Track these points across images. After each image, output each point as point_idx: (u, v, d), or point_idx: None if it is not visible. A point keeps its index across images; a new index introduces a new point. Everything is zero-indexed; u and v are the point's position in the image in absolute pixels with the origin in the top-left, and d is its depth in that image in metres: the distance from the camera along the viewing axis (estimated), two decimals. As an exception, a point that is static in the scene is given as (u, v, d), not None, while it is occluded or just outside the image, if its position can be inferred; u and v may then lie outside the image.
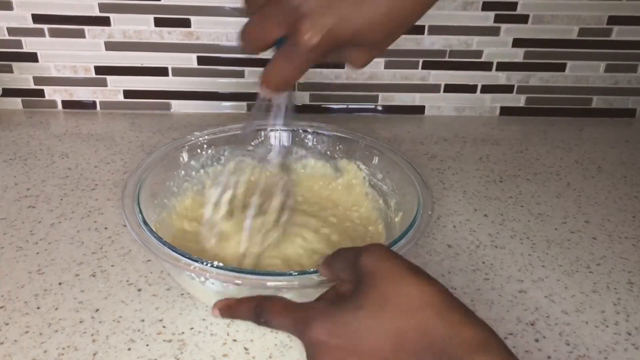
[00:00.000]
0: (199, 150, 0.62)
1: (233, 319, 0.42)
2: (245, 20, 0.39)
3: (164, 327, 0.50)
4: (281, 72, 0.39)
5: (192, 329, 0.50)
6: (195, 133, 0.62)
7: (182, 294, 0.53)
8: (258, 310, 0.39)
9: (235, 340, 0.49)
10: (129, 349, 0.47)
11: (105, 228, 0.62)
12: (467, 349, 0.32)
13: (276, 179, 0.55)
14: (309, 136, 0.66)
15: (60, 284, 0.54)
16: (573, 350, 0.49)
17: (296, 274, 0.43)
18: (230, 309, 0.41)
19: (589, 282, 0.57)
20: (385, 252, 0.38)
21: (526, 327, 0.51)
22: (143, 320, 0.50)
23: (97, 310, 0.51)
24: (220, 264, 0.44)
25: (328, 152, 0.66)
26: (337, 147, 0.65)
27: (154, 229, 0.48)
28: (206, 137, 0.62)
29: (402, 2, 0.37)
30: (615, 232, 0.64)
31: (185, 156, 0.61)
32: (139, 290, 0.54)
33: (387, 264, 0.37)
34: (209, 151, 0.63)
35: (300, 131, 0.66)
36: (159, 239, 0.46)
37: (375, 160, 0.63)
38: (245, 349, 0.48)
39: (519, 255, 0.60)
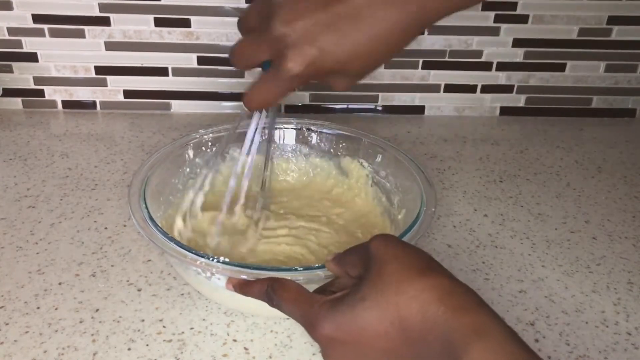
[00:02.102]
0: (203, 148, 0.63)
1: (246, 296, 0.43)
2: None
3: (164, 327, 0.50)
4: (262, 94, 0.42)
5: (192, 329, 0.50)
6: (200, 131, 0.63)
7: (182, 294, 0.53)
8: (270, 293, 0.41)
9: (235, 340, 0.49)
10: (129, 349, 0.47)
11: (105, 228, 0.62)
12: (466, 335, 0.31)
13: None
14: (313, 134, 0.66)
15: (60, 284, 0.54)
16: (573, 350, 0.49)
17: (302, 269, 0.44)
18: (243, 287, 0.43)
19: (589, 282, 0.57)
20: (394, 239, 0.39)
21: (526, 327, 0.51)
22: (143, 320, 0.50)
23: (97, 310, 0.51)
24: (226, 259, 0.44)
25: (331, 150, 0.66)
26: (341, 145, 0.65)
27: (159, 225, 0.49)
28: (211, 135, 0.63)
29: (383, 37, 0.38)
30: (615, 232, 0.64)
31: (190, 154, 0.62)
32: (139, 290, 0.54)
33: (394, 250, 0.37)
34: (214, 149, 0.63)
35: (304, 129, 0.66)
36: (165, 234, 0.47)
37: (379, 158, 0.63)
38: (245, 349, 0.48)
39: (519, 255, 0.60)
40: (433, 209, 0.52)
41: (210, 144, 0.63)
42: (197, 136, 0.62)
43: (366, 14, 0.37)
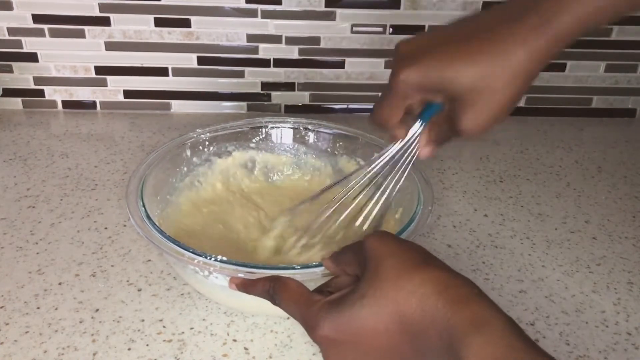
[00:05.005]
0: (201, 147, 0.63)
1: (249, 294, 0.43)
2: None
3: (164, 327, 0.50)
4: (379, 107, 0.44)
5: (192, 329, 0.50)
6: (198, 130, 0.63)
7: (182, 294, 0.53)
8: (271, 292, 0.41)
9: (235, 340, 0.49)
10: (129, 349, 0.47)
11: (105, 228, 0.62)
12: (465, 328, 0.31)
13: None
14: (310, 133, 0.66)
15: (60, 284, 0.54)
16: (573, 350, 0.49)
17: (299, 267, 0.44)
18: (246, 286, 0.43)
19: (589, 282, 0.57)
20: (389, 235, 0.39)
21: (526, 327, 0.51)
22: (143, 320, 0.50)
23: (97, 310, 0.51)
24: (224, 258, 0.44)
25: (329, 149, 0.66)
26: (338, 144, 0.65)
27: (157, 224, 0.48)
28: (208, 134, 0.63)
29: (499, 62, 0.38)
30: (615, 232, 0.64)
31: (187, 153, 0.62)
32: (139, 290, 0.54)
33: (389, 247, 0.37)
34: (211, 148, 0.64)
35: (301, 128, 0.66)
36: (163, 233, 0.47)
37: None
38: (245, 349, 0.48)
39: (519, 255, 0.60)
40: (430, 208, 0.52)
41: (207, 143, 0.63)
42: (195, 135, 0.63)
43: (483, 37, 0.38)
